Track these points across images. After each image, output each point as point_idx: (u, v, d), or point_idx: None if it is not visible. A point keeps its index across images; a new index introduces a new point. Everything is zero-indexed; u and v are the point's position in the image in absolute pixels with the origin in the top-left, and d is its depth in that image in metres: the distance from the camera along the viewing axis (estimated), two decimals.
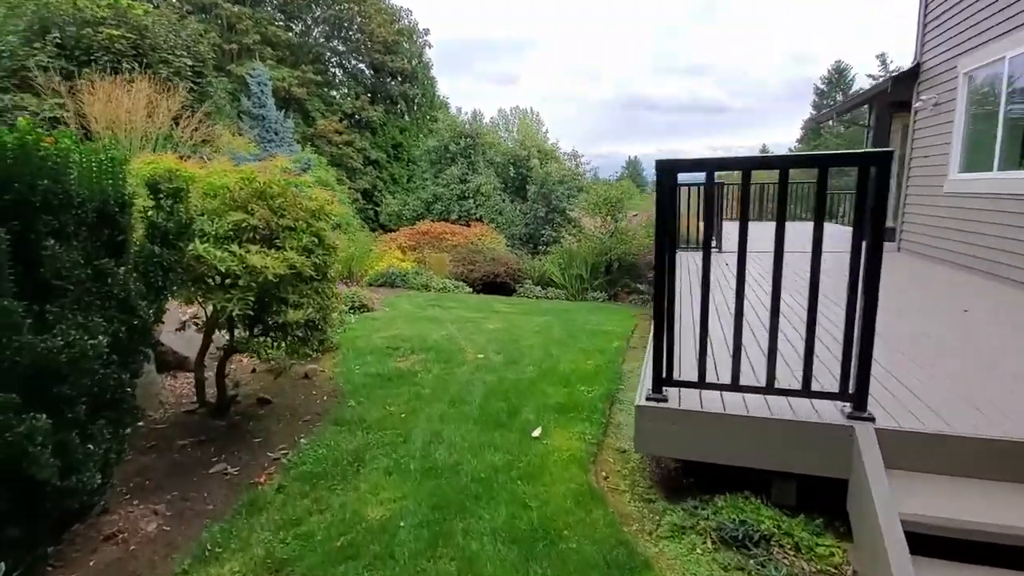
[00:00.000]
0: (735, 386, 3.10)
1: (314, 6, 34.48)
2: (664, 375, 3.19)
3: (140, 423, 4.40)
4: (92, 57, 15.47)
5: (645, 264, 10.49)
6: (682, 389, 3.25)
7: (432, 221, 16.60)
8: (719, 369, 3.58)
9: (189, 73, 17.19)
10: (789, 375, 3.45)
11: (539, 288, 13.82)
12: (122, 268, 2.71)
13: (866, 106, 14.85)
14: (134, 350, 2.88)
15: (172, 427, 4.30)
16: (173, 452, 3.92)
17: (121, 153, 2.77)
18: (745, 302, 3.11)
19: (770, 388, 3.06)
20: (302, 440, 4.04)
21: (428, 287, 12.74)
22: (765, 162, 3.15)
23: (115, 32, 15.92)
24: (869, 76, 44.85)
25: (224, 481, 3.57)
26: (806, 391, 3.04)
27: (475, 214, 17.67)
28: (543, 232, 17.41)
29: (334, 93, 35.03)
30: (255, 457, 3.87)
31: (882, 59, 44.36)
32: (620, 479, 3.46)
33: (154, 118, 9.89)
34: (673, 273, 3.13)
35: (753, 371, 3.49)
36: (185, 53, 17.19)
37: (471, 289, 13.19)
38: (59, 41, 15.78)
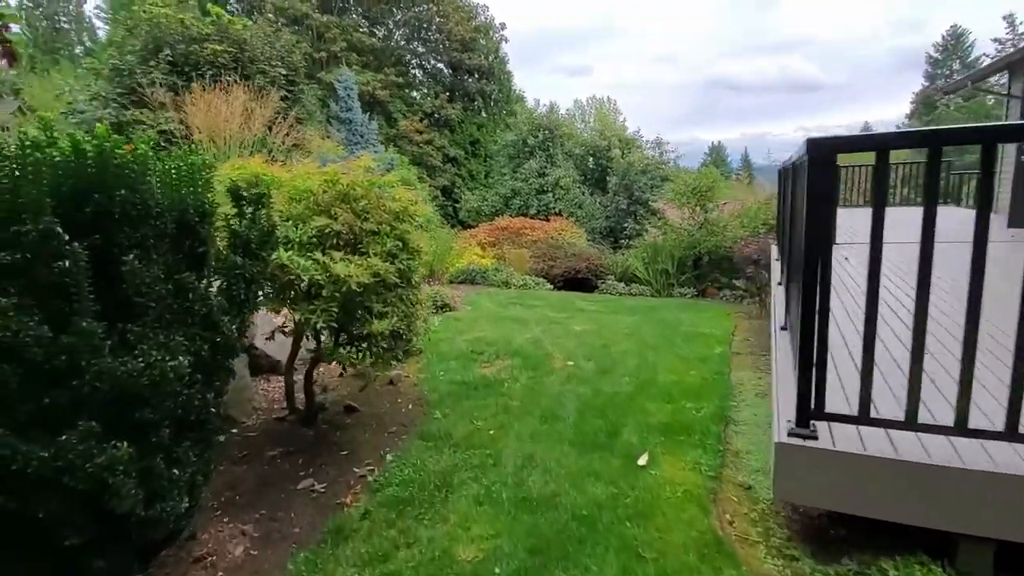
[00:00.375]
0: (911, 424, 2.43)
1: (395, 10, 35.28)
2: (813, 406, 2.57)
3: (234, 431, 4.38)
4: (199, 71, 16.55)
5: (743, 259, 9.54)
6: (836, 424, 2.62)
7: (510, 216, 16.29)
8: (877, 399, 2.90)
9: (283, 81, 17.97)
10: (979, 410, 2.70)
11: (622, 284, 13.13)
12: (203, 282, 2.51)
13: (1003, 73, 12.74)
14: (218, 368, 2.69)
15: (263, 435, 4.21)
16: (263, 463, 3.80)
17: (200, 158, 2.57)
18: (882, 305, 2.42)
19: (961, 428, 2.37)
20: (388, 456, 3.78)
21: (508, 284, 12.45)
22: (956, 136, 2.43)
23: (218, 47, 16.90)
24: (995, 40, 39.31)
25: (311, 500, 3.38)
26: (1011, 433, 2.32)
27: (554, 208, 17.18)
28: (625, 225, 16.61)
29: (414, 94, 35.73)
30: (341, 472, 3.67)
31: (1010, 20, 38.67)
32: (749, 525, 2.88)
33: (249, 124, 10.22)
34: (827, 278, 2.50)
35: (925, 404, 2.78)
36: (279, 63, 17.99)
37: (551, 286, 12.75)
38: (171, 58, 17.00)
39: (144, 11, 18.38)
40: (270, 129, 11.70)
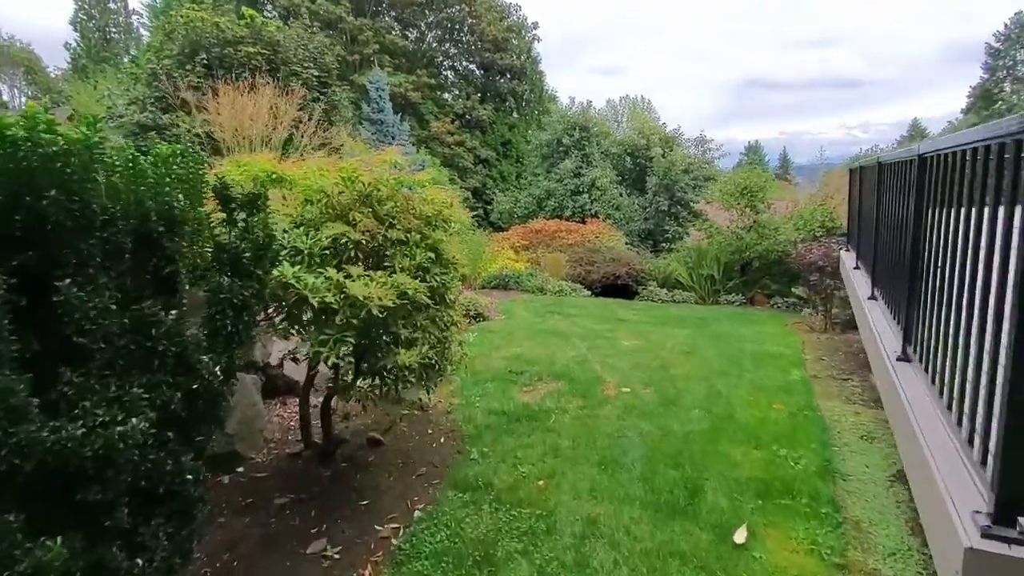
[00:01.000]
0: None
1: (427, 11, 34.97)
2: (1020, 494, 1.77)
3: (240, 470, 3.80)
4: (234, 73, 16.41)
5: (805, 265, 8.58)
6: None
7: (544, 219, 15.56)
8: None
9: (315, 83, 17.72)
10: None
11: (664, 291, 12.24)
12: (173, 312, 1.88)
13: None
14: (197, 421, 2.06)
15: (273, 476, 3.60)
16: (270, 515, 3.18)
17: (177, 148, 1.94)
18: None
19: None
20: (417, 511, 3.11)
21: (543, 290, 11.72)
22: None
23: (251, 49, 16.69)
24: None
25: (322, 570, 2.74)
26: None
27: (590, 210, 16.35)
28: (666, 227, 15.66)
29: (446, 96, 35.35)
30: (361, 531, 3.01)
31: None
32: None
33: (276, 123, 9.77)
34: None
35: None
36: (312, 64, 17.74)
37: (589, 292, 11.96)
38: (206, 61, 16.91)
39: (181, 15, 18.36)
40: (297, 128, 11.22)
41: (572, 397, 4.47)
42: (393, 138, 19.61)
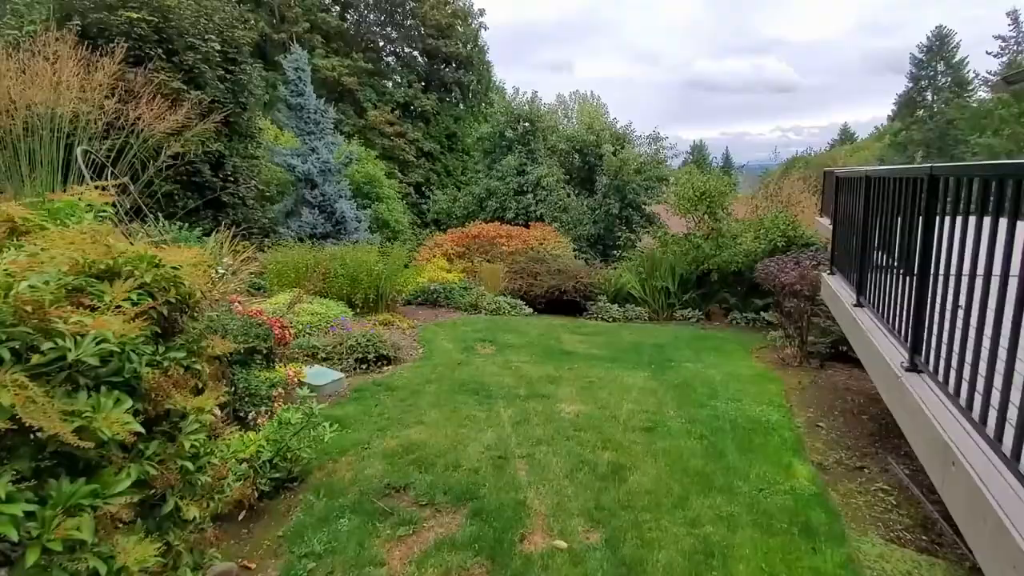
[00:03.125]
0: None
1: None
2: None
3: None
4: (113, 43, 13.66)
5: (776, 287, 7.25)
6: None
7: (484, 221, 13.78)
8: None
9: (218, 59, 15.16)
10: None
11: (615, 306, 10.75)
12: None
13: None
14: None
15: None
16: None
17: None
18: None
19: None
20: None
21: (478, 307, 9.98)
22: None
23: (135, 15, 13.94)
24: (998, 38, 37.57)
25: None
26: None
27: (535, 212, 14.69)
28: (616, 233, 14.22)
29: (387, 83, 32.83)
30: None
31: (1014, 17, 36.87)
32: None
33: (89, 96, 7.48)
34: None
35: None
36: (215, 38, 15.14)
37: (531, 309, 10.30)
38: (80, 28, 14.00)
39: None
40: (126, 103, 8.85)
41: (472, 558, 2.69)
42: (316, 124, 17.28)
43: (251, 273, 9.42)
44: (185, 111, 13.11)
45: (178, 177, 15.27)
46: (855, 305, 4.41)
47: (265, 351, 3.90)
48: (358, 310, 8.31)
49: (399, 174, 30.21)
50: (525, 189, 15.35)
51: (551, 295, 10.53)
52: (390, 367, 5.81)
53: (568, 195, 15.25)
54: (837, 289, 5.14)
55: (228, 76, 16.31)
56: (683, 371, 6.26)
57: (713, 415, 4.58)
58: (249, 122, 17.65)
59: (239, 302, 6.14)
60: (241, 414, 3.65)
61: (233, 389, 3.63)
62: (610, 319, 10.35)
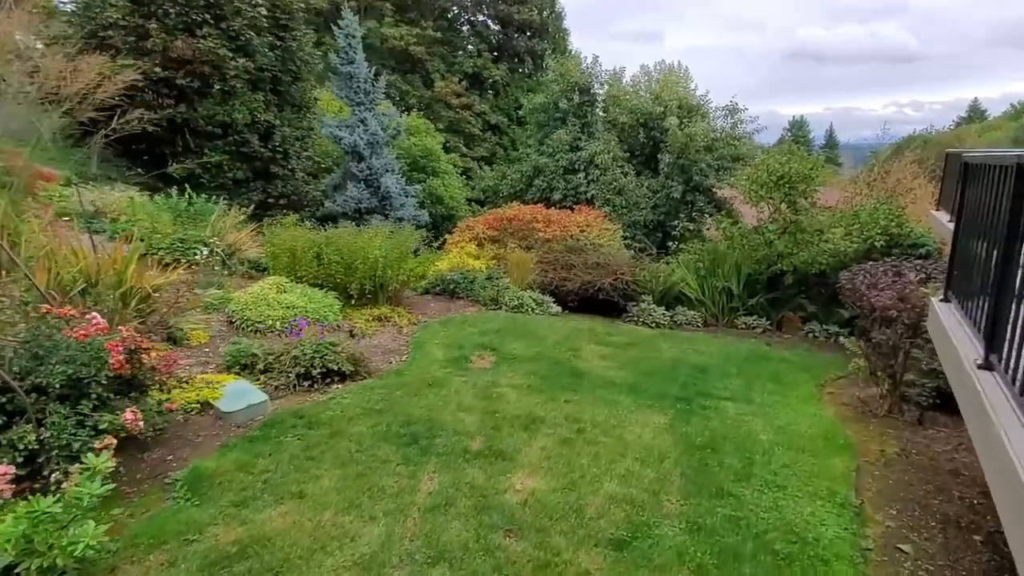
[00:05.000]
0: None
1: None
2: None
3: None
4: (160, 8, 13.47)
5: (865, 309, 5.44)
6: None
7: (525, 202, 12.34)
8: None
9: (266, 25, 14.62)
10: None
11: (662, 308, 9.09)
12: None
13: None
14: None
15: None
16: None
17: None
18: None
19: None
20: None
21: (498, 302, 8.74)
22: None
23: None
24: None
25: None
26: None
27: (585, 193, 12.99)
28: (676, 221, 12.25)
29: (457, 53, 31.60)
30: None
31: None
32: None
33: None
34: None
35: None
36: (262, 2, 14.54)
37: (559, 308, 8.91)
38: None
39: None
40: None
41: None
42: (366, 95, 16.52)
43: (253, 257, 8.79)
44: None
45: (227, 147, 15.16)
46: (981, 366, 2.70)
47: (106, 382, 2.92)
48: (353, 302, 7.35)
49: (463, 148, 29.24)
50: (576, 167, 13.66)
51: (584, 292, 9.05)
52: (339, 385, 4.75)
53: (625, 174, 13.38)
54: (951, 328, 3.38)
55: (279, 43, 15.83)
56: (717, 417, 4.69)
57: (734, 519, 3.08)
58: (302, 92, 17.20)
59: (185, 297, 5.31)
60: (47, 472, 2.69)
61: (38, 437, 2.67)
62: (652, 324, 8.74)
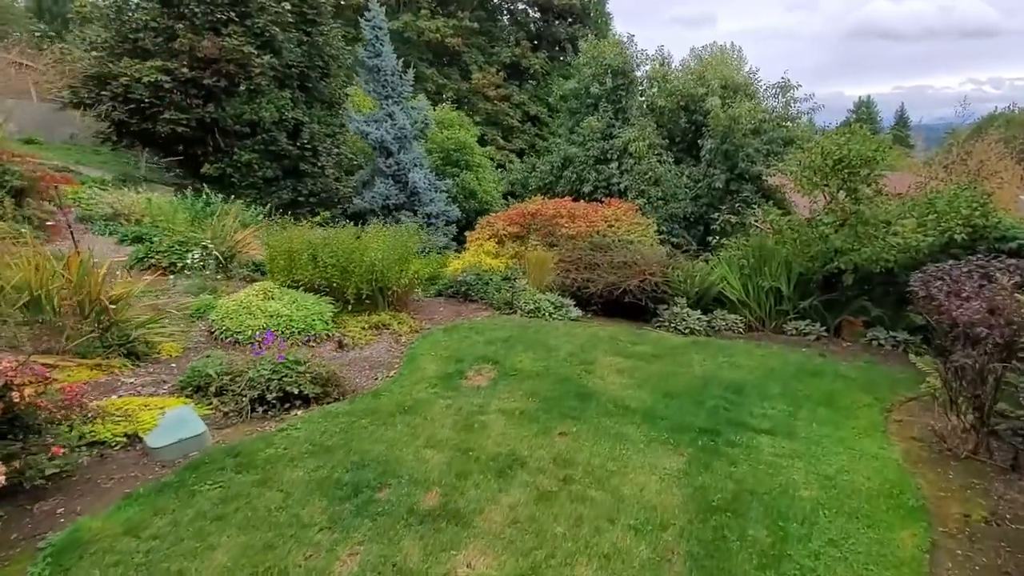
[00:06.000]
0: None
1: None
2: None
3: None
4: (187, 8, 13.42)
5: (944, 322, 4.31)
6: None
7: (548, 196, 11.44)
8: None
9: (291, 20, 14.33)
10: None
11: (697, 312, 8.07)
12: None
13: None
14: None
15: None
16: None
17: None
18: None
19: None
20: None
21: (512, 306, 7.98)
22: None
23: None
24: None
25: None
26: None
27: (617, 185, 11.89)
28: (717, 214, 11.01)
29: (494, 44, 30.79)
30: None
31: None
32: None
33: None
34: None
35: None
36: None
37: (580, 312, 8.06)
38: None
39: None
40: None
41: None
42: (393, 89, 16.04)
43: (258, 260, 8.41)
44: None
45: (255, 146, 15.08)
46: None
47: None
48: (350, 308, 6.79)
49: (501, 140, 28.49)
50: (609, 156, 12.59)
51: (608, 295, 8.14)
52: (300, 411, 4.15)
53: (662, 163, 12.18)
54: None
55: (306, 39, 15.58)
56: (748, 460, 3.76)
57: None
58: (331, 88, 16.93)
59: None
60: None
61: None
62: (685, 330, 7.75)
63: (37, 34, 21.08)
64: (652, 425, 4.36)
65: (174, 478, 3.07)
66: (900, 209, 8.17)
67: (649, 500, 3.15)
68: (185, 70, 13.11)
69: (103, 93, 12.65)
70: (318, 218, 12.97)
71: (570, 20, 31.78)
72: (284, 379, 4.15)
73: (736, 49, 16.81)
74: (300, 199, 15.76)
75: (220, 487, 3.03)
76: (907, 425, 4.93)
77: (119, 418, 3.55)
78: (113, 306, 4.52)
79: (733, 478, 3.48)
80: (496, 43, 30.51)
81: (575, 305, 8.12)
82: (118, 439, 3.43)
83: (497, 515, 2.91)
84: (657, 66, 13.61)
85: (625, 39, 13.82)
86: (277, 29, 13.97)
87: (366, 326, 6.56)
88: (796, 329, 8.01)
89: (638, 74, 13.61)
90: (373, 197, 15.67)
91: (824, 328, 7.97)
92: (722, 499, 3.21)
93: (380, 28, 15.58)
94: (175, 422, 3.65)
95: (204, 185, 12.04)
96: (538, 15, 32.05)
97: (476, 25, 29.02)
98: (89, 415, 3.16)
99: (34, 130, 21.59)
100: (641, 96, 13.63)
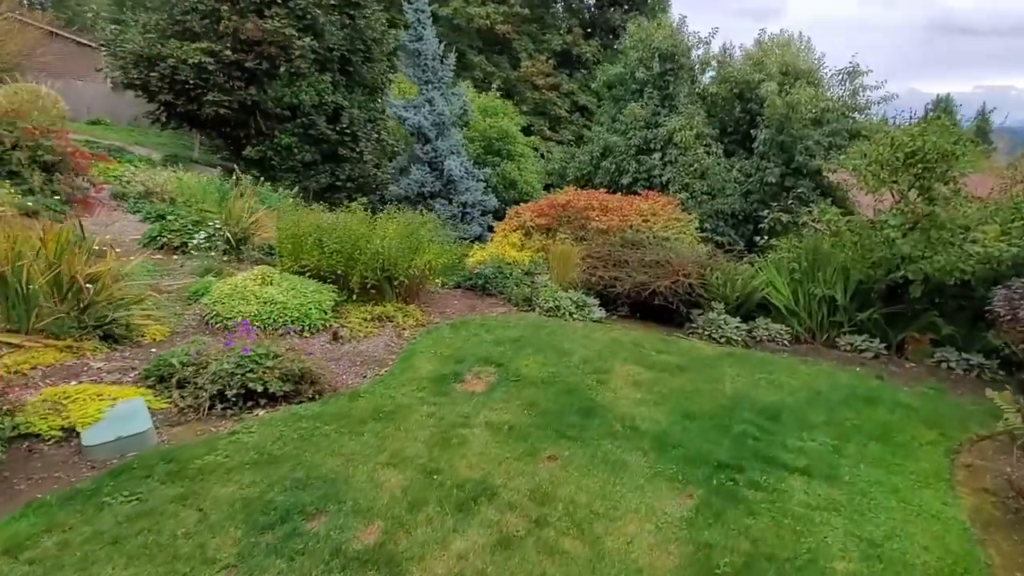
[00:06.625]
0: None
1: None
2: None
3: None
4: None
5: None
6: None
7: (583, 188, 10.68)
8: None
9: (333, 2, 14.15)
10: None
11: (737, 319, 7.21)
12: None
13: None
14: None
15: None
16: None
17: None
18: None
19: None
20: None
21: (531, 302, 7.40)
22: None
23: None
24: None
25: None
26: None
27: (659, 177, 10.96)
28: (767, 211, 9.87)
29: (546, 31, 29.88)
30: None
31: None
32: None
33: None
34: None
35: None
36: None
37: (603, 312, 7.39)
38: None
39: None
40: None
41: None
42: (435, 73, 15.64)
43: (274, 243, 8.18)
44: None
45: (295, 130, 15.07)
46: None
47: None
48: (355, 297, 6.40)
49: (547, 130, 27.69)
50: (652, 146, 11.65)
51: (636, 295, 7.41)
52: (264, 410, 3.76)
53: (709, 154, 11.14)
54: None
55: (348, 22, 15.40)
56: (771, 511, 3.05)
57: None
58: (373, 73, 16.71)
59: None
60: None
61: None
62: (721, 339, 6.94)
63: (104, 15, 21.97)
64: (661, 453, 3.70)
65: (90, 484, 2.71)
66: (981, 213, 7.00)
67: (636, 560, 2.52)
68: (229, 52, 13.15)
69: (151, 74, 12.87)
70: (355, 203, 12.79)
71: (626, 7, 30.43)
72: (248, 375, 3.75)
73: (804, 39, 15.30)
74: (338, 184, 15.67)
75: (136, 500, 2.64)
76: (978, 472, 4.05)
77: (60, 408, 3.24)
78: (89, 285, 4.26)
79: (749, 535, 2.80)
80: (547, 30, 29.60)
81: (599, 305, 7.44)
82: (53, 433, 3.12)
83: (440, 566, 2.37)
84: (713, 50, 12.52)
85: (676, 21, 12.79)
86: (319, 12, 13.81)
87: (368, 317, 6.15)
88: (851, 344, 7.04)
89: (691, 58, 12.53)
90: (409, 184, 15.39)
91: (884, 345, 6.97)
92: (730, 566, 2.54)
93: (423, 11, 15.18)
94: (121, 417, 3.31)
95: (245, 167, 12.08)
96: (592, 1, 30.90)
97: (527, 11, 28.22)
98: (5, 408, 2.85)
99: (103, 112, 22.59)
100: (692, 83, 12.56)
